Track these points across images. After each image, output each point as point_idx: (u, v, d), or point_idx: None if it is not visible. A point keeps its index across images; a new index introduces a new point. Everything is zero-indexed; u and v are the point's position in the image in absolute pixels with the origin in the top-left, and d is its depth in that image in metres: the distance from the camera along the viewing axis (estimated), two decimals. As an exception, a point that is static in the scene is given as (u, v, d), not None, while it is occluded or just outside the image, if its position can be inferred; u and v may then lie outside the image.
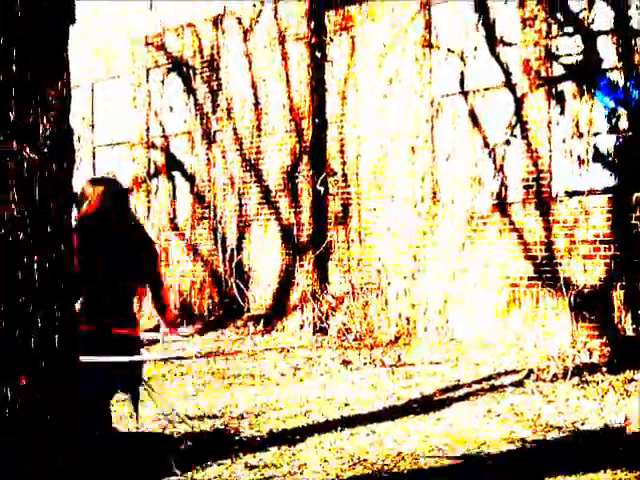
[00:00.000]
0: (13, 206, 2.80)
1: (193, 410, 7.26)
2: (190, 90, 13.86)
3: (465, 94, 10.39)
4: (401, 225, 10.85)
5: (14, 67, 2.77)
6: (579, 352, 8.10)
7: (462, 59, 10.44)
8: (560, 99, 9.52)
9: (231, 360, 9.87)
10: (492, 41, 10.13)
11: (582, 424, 6.20)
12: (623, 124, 8.98)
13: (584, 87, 9.31)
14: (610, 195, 8.97)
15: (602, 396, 6.95)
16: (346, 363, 9.12)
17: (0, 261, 2.80)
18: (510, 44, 9.97)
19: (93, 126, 15.60)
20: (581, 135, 9.30)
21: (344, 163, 11.66)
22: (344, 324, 10.55)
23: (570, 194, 9.32)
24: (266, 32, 12.58)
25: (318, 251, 11.61)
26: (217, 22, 13.45)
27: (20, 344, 2.86)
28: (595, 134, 9.20)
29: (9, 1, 2.75)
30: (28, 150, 2.81)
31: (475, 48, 10.29)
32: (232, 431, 6.49)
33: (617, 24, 8.98)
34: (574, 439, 5.82)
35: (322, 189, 11.76)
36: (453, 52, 10.53)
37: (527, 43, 9.73)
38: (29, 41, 2.82)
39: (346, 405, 7.20)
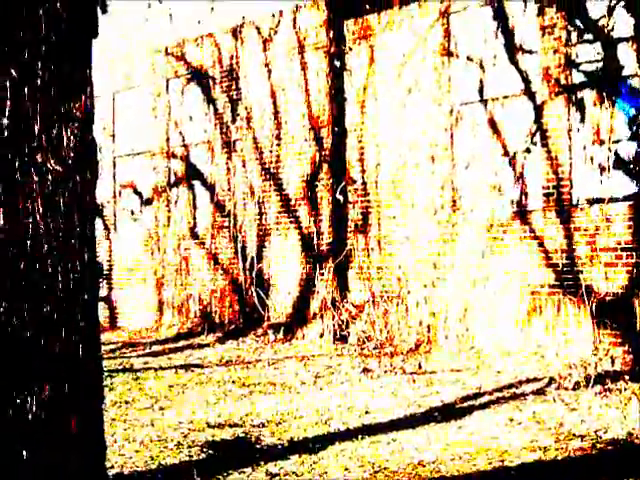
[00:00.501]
0: (38, 217, 2.83)
1: (214, 418, 7.27)
2: (210, 100, 13.92)
3: (484, 102, 10.38)
4: (421, 233, 10.85)
5: (39, 80, 2.81)
6: (601, 360, 8.04)
7: (481, 67, 10.44)
8: (580, 106, 9.49)
9: (252, 368, 9.88)
10: (511, 49, 10.12)
11: (605, 432, 6.15)
12: (644, 131, 8.94)
13: (604, 94, 9.27)
14: (631, 202, 8.92)
15: (625, 404, 6.89)
16: (366, 371, 9.10)
17: (25, 271, 2.83)
18: (530, 52, 9.95)
19: (114, 136, 15.71)
20: (602, 142, 9.26)
21: (364, 171, 11.67)
22: (364, 332, 10.54)
23: (591, 202, 9.28)
24: (285, 42, 12.64)
25: (338, 259, 11.62)
26: (236, 32, 13.52)
27: (44, 353, 2.89)
28: (616, 141, 9.15)
29: (34, 15, 2.79)
30: (52, 162, 2.84)
31: (494, 56, 10.28)
32: (253, 439, 6.48)
33: (637, 31, 8.95)
34: (597, 448, 5.78)
35: (342, 197, 11.78)
36: (472, 60, 10.52)
37: (547, 51, 9.71)
38: (53, 54, 2.86)
39: (367, 413, 7.18)
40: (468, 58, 10.59)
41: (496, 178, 10.16)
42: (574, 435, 6.11)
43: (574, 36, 9.53)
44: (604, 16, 9.25)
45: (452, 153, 10.69)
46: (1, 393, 2.75)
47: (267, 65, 12.99)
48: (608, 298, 8.93)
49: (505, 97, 10.18)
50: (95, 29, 3.07)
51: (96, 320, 3.18)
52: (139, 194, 15.22)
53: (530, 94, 9.93)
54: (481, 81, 10.45)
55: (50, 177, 2.84)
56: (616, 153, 9.16)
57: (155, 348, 12.01)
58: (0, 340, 2.75)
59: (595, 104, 9.35)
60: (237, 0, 13.26)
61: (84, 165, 2.98)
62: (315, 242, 11.87)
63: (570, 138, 9.52)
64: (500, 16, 10.21)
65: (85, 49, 3.02)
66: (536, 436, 6.13)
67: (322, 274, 11.66)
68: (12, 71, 2.75)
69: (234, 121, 13.48)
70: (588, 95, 9.42)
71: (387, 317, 10.61)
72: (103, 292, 15.46)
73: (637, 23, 8.97)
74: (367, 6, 11.74)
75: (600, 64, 9.33)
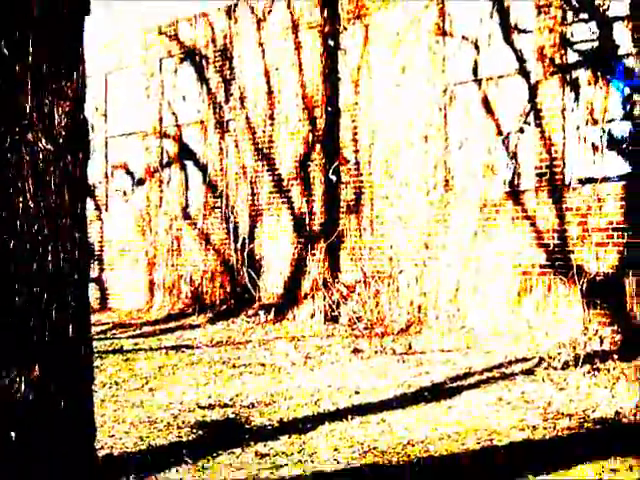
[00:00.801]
0: (28, 196, 2.81)
1: (204, 399, 7.26)
2: (203, 79, 13.85)
3: (479, 82, 10.33)
4: (413, 213, 10.82)
5: (30, 58, 2.78)
6: (590, 340, 8.04)
7: (476, 47, 10.37)
8: (575, 86, 9.44)
9: (242, 349, 9.88)
10: (506, 28, 10.06)
11: (593, 411, 6.16)
12: (638, 111, 8.89)
13: (599, 74, 9.22)
14: (624, 182, 8.88)
15: (613, 384, 6.90)
16: (357, 352, 9.10)
17: (15, 250, 2.81)
18: (525, 31, 9.88)
19: (106, 116, 15.64)
20: (595, 122, 9.21)
21: (357, 151, 11.63)
22: (355, 312, 10.54)
23: (583, 181, 9.25)
24: (279, 21, 12.55)
25: (330, 240, 11.59)
26: (230, 11, 13.43)
27: (34, 333, 2.88)
28: (609, 121, 9.11)
29: None
30: (44, 141, 2.82)
31: (489, 36, 10.22)
32: (243, 420, 6.49)
33: (632, 10, 8.88)
34: (585, 427, 5.78)
35: (334, 178, 11.74)
36: (467, 40, 10.46)
37: (542, 30, 9.64)
38: (45, 33, 2.83)
39: (357, 393, 7.18)
40: (463, 37, 10.52)
41: (489, 158, 10.12)
42: (562, 414, 6.11)
43: (570, 15, 9.47)
44: (600, -5, 9.19)
45: (445, 133, 10.65)
46: None
47: (261, 45, 12.91)
48: (598, 278, 8.92)
49: (500, 77, 10.13)
50: (87, 6, 3.04)
51: (87, 300, 3.16)
52: (131, 174, 15.17)
53: (525, 74, 9.87)
54: (475, 61, 10.39)
55: (41, 156, 2.83)
56: (609, 133, 9.12)
57: (146, 329, 12.01)
58: None
59: (589, 84, 9.30)
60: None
61: (75, 144, 2.97)
62: (307, 222, 11.84)
63: (564, 118, 9.47)
64: (495, -5, 10.14)
65: (77, 27, 2.99)
66: (525, 415, 6.14)
67: (314, 254, 11.64)
68: (2, 48, 2.72)
69: (227, 101, 13.42)
70: (583, 75, 9.37)
71: (378, 297, 10.60)
72: (94, 273, 15.44)
73: (632, 2, 8.91)
74: (361, -15, 11.65)
75: (595, 43, 9.27)
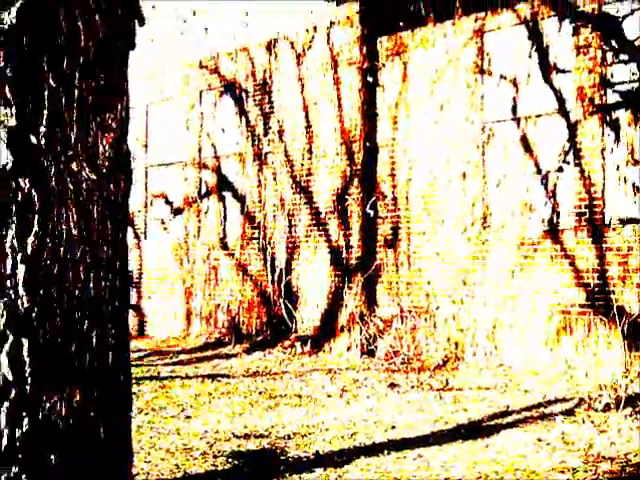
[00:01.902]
0: (72, 224, 2.86)
1: (240, 429, 7.27)
2: (242, 112, 14.01)
3: (517, 120, 10.36)
4: (450, 249, 10.81)
5: (76, 91, 2.85)
6: (632, 382, 7.93)
7: (515, 85, 10.42)
8: (614, 126, 9.43)
9: (278, 380, 9.88)
10: (545, 68, 10.10)
11: (635, 455, 6.07)
12: (679, 152, 8.87)
13: (639, 115, 9.22)
14: (665, 224, 8.84)
15: (655, 427, 6.81)
16: (393, 386, 9.06)
17: (57, 277, 2.86)
18: (564, 71, 9.92)
19: (147, 146, 15.85)
20: (636, 162, 9.19)
21: (394, 187, 11.67)
22: (392, 347, 10.50)
23: (624, 222, 9.21)
24: (318, 57, 12.70)
25: (367, 274, 11.60)
26: (270, 46, 13.61)
27: (75, 358, 2.91)
28: (650, 162, 9.09)
29: (73, 25, 2.83)
30: (87, 170, 2.87)
31: (528, 75, 10.27)
32: (278, 451, 6.48)
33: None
34: (626, 471, 5.70)
35: (372, 212, 11.78)
36: (505, 78, 10.51)
37: (581, 70, 9.68)
38: (91, 65, 2.90)
39: (393, 428, 7.15)
40: (501, 76, 10.58)
41: (527, 196, 10.12)
42: (603, 457, 6.03)
43: (609, 56, 9.49)
44: (639, 37, 9.21)
45: (483, 170, 10.67)
46: (33, 398, 2.77)
47: (300, 79, 13.05)
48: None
49: (538, 116, 10.15)
50: (133, 41, 3.12)
51: (126, 327, 3.20)
52: (170, 204, 15.32)
53: (564, 113, 9.89)
54: (514, 99, 10.43)
55: (85, 185, 2.87)
56: (650, 174, 9.09)
57: (182, 357, 12.05)
58: (32, 345, 2.78)
59: (629, 124, 9.30)
60: (272, 13, 13.36)
61: (118, 174, 3.02)
62: (344, 256, 11.87)
63: (603, 157, 9.46)
64: (534, 35, 10.19)
65: (122, 61, 3.06)
66: (564, 457, 6.06)
67: (351, 288, 11.65)
68: (50, 80, 2.79)
69: (266, 134, 13.55)
70: (623, 115, 9.37)
71: (415, 332, 10.57)
72: (132, 300, 15.55)
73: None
74: (401, 23, 11.77)
75: (635, 84, 9.28)
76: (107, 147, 2.92)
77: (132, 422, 6.59)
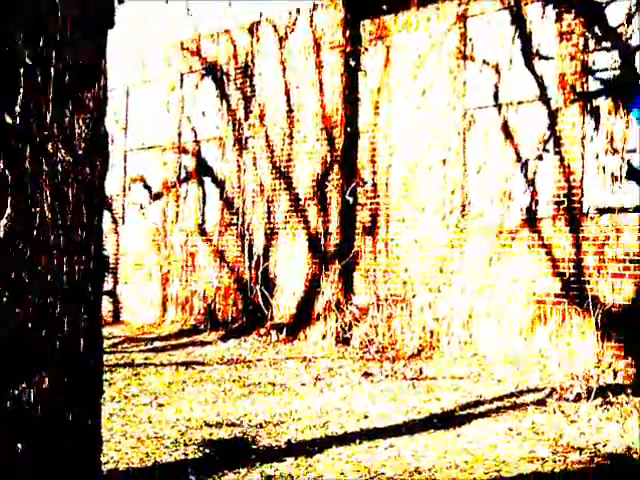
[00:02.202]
0: (45, 207, 2.81)
1: (212, 417, 7.24)
2: (223, 96, 13.90)
3: (499, 107, 10.30)
4: (429, 237, 10.78)
5: (52, 69, 2.79)
6: (604, 372, 7.95)
7: (497, 71, 10.36)
8: (595, 115, 9.39)
9: (253, 368, 9.84)
10: (528, 54, 10.04)
11: (604, 446, 6.07)
12: (658, 141, 8.84)
13: (620, 103, 9.17)
14: (642, 213, 8.82)
15: (625, 418, 6.80)
16: (367, 375, 9.04)
17: (30, 261, 2.81)
18: (546, 57, 9.86)
19: (126, 129, 15.73)
20: (615, 151, 9.15)
21: (374, 173, 11.61)
22: (367, 335, 10.48)
23: (602, 211, 9.18)
24: (301, 40, 12.59)
25: (344, 261, 11.56)
26: (252, 29, 13.49)
27: (45, 344, 2.87)
28: (629, 151, 9.05)
29: (50, 3, 2.78)
30: (63, 152, 2.82)
31: (510, 61, 10.20)
32: (250, 440, 6.46)
33: (655, 39, 8.86)
34: (595, 461, 5.70)
35: (351, 199, 11.72)
36: (488, 64, 10.45)
37: (563, 57, 9.62)
38: (68, 43, 2.84)
39: (365, 417, 7.13)
40: (484, 62, 10.51)
41: (507, 184, 10.08)
42: (573, 447, 6.03)
43: (592, 43, 9.44)
44: (623, 24, 9.15)
45: (464, 157, 10.62)
46: (1, 384, 2.72)
47: (282, 63, 12.95)
48: (614, 310, 8.83)
49: (519, 102, 10.10)
50: (111, 19, 3.06)
51: (99, 314, 3.16)
52: (148, 188, 15.23)
53: (545, 100, 9.84)
54: (496, 86, 10.37)
55: (60, 167, 2.83)
56: (629, 163, 9.06)
57: (157, 344, 12.00)
58: (2, 330, 2.73)
59: (610, 113, 9.25)
60: (254, -3, 13.23)
61: (95, 156, 2.98)
62: (322, 243, 11.82)
63: (583, 146, 9.42)
64: (518, 21, 10.12)
65: (101, 39, 3.01)
66: (535, 447, 6.06)
67: (328, 275, 11.61)
68: (26, 58, 2.73)
69: (247, 118, 13.46)
70: (603, 103, 9.32)
71: (391, 321, 10.55)
72: (108, 285, 15.47)
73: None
74: (384, 6, 11.67)
75: (617, 72, 9.23)
76: (83, 128, 2.88)
77: (103, 410, 6.55)
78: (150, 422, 7.07)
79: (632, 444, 6.07)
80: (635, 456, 5.80)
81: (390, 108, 11.51)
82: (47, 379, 2.85)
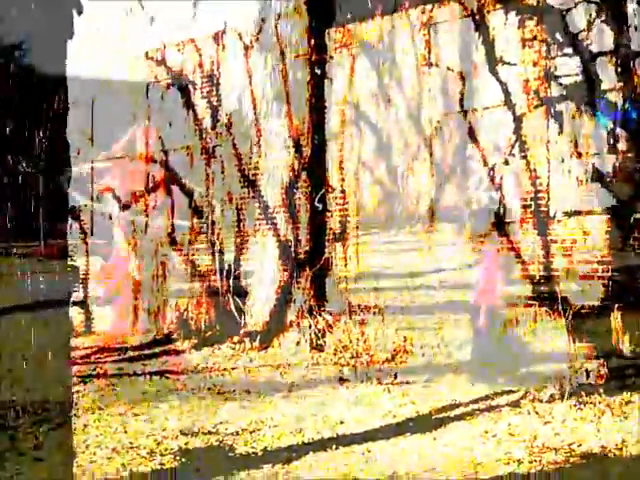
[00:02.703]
0: (7, 220, 2.82)
1: (187, 426, 7.22)
2: (189, 105, 13.88)
3: (464, 113, 10.41)
4: (399, 243, 10.84)
5: (10, 82, 2.79)
6: (576, 373, 8.05)
7: (462, 78, 10.47)
8: (559, 119, 9.54)
9: (227, 376, 9.82)
10: (492, 60, 10.17)
11: (579, 445, 6.16)
12: (622, 145, 9.00)
13: (583, 107, 9.33)
14: (608, 215, 8.96)
15: (599, 418, 6.91)
16: (342, 381, 9.06)
17: None
18: (509, 64, 10.00)
19: (92, 140, 15.60)
20: (580, 155, 9.31)
21: (343, 180, 11.66)
22: (341, 341, 10.50)
23: (569, 214, 9.32)
24: (266, 49, 12.61)
25: (315, 268, 11.58)
26: (218, 38, 13.49)
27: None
28: (594, 154, 9.21)
29: (7, 14, 2.78)
30: (24, 164, 2.83)
31: (475, 67, 10.32)
32: (226, 448, 6.46)
33: (616, 45, 9.02)
34: (570, 461, 5.79)
35: (320, 206, 11.75)
36: (452, 71, 10.56)
37: (526, 63, 9.77)
38: (27, 54, 2.84)
39: (341, 423, 7.16)
40: (449, 69, 10.62)
41: (475, 189, 10.18)
42: (548, 448, 6.11)
43: (554, 49, 9.59)
44: (584, 30, 9.32)
45: (431, 164, 10.71)
46: None
47: (248, 72, 12.96)
48: (584, 311, 8.96)
49: (485, 108, 10.22)
50: (70, 30, 3.06)
51: (69, 325, 3.16)
52: (117, 198, 15.12)
53: (510, 106, 9.97)
54: (461, 92, 10.48)
55: (21, 179, 2.84)
56: (594, 166, 9.21)
57: (130, 354, 11.91)
58: None
59: (574, 117, 9.41)
60: (219, 5, 13.22)
61: (55, 167, 2.99)
62: (293, 250, 11.82)
63: (548, 150, 9.57)
64: (481, 28, 10.25)
65: (60, 50, 3.01)
66: (510, 449, 6.14)
67: (299, 282, 11.61)
68: None
69: (214, 127, 13.45)
70: (567, 108, 9.47)
71: (364, 327, 10.59)
72: (79, 296, 15.30)
73: (616, 37, 9.05)
74: (349, 15, 11.75)
75: (579, 77, 9.38)
76: (43, 139, 2.88)
77: (77, 421, 6.51)
78: (125, 432, 7.04)
79: (606, 443, 6.17)
80: (610, 455, 5.89)
81: (357, 115, 11.57)
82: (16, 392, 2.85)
